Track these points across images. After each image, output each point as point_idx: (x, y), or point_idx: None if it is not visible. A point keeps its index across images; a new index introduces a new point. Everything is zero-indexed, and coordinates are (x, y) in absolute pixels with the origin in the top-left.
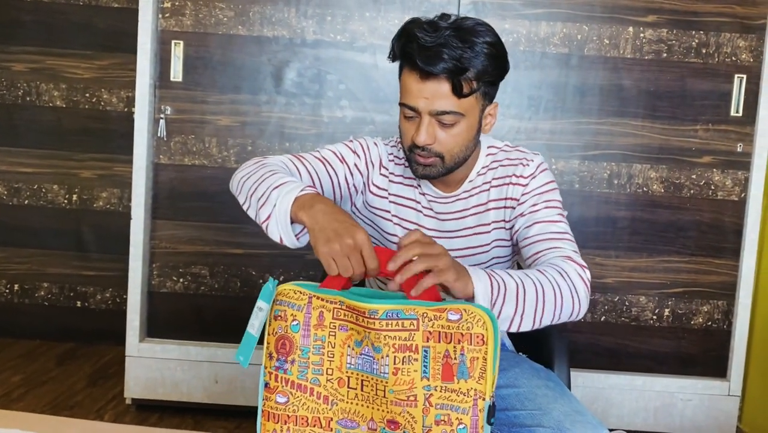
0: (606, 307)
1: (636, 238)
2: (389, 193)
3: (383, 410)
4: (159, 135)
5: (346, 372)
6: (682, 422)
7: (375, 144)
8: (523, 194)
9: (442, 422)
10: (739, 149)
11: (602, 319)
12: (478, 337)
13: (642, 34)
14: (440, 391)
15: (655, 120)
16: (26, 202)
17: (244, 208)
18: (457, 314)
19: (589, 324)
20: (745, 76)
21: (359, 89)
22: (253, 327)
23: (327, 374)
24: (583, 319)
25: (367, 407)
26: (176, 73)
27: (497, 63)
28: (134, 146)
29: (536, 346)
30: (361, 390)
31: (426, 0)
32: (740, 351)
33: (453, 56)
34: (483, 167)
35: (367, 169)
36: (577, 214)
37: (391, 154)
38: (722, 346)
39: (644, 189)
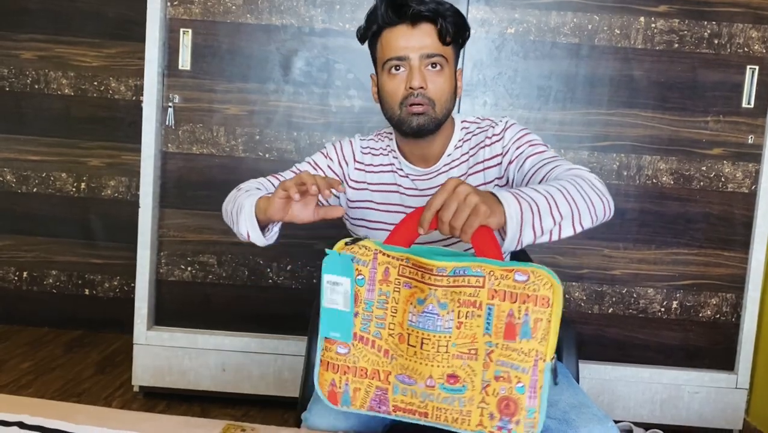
0: (614, 299)
1: (645, 229)
2: (368, 183)
3: (444, 366)
4: (167, 124)
5: (407, 329)
6: (688, 414)
7: (350, 142)
8: (503, 147)
9: (502, 379)
10: (750, 141)
11: (610, 311)
12: (543, 299)
13: (653, 25)
14: (501, 348)
15: (665, 111)
16: (34, 190)
17: (234, 230)
18: (525, 275)
19: (596, 316)
20: (757, 67)
21: (368, 79)
22: (336, 303)
23: (389, 328)
24: (591, 311)
25: (426, 365)
26: (184, 61)
27: (463, 22)
28: (142, 135)
29: None
30: (421, 348)
31: None
32: (748, 344)
33: (434, 2)
34: (459, 140)
35: (341, 168)
36: None
37: (367, 147)
38: (730, 339)
39: (654, 180)
